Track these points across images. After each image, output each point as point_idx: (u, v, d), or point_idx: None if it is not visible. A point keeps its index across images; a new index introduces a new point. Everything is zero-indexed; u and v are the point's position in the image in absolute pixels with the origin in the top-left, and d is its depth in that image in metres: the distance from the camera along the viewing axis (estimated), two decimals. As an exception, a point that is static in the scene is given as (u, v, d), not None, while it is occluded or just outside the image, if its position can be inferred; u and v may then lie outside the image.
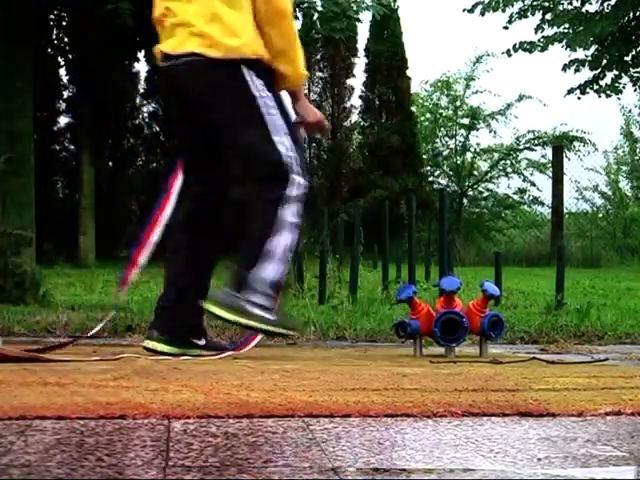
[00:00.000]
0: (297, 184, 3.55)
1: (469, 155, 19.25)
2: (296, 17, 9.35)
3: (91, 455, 1.80)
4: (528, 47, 14.79)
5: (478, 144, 19.23)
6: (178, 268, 3.72)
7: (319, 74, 17.48)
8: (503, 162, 19.12)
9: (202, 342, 3.75)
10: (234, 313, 3.47)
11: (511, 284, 7.98)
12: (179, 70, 3.60)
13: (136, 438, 1.97)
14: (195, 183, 3.76)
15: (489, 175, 19.22)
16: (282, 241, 3.51)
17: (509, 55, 15.04)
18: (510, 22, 14.94)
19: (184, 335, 3.70)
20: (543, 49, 14.75)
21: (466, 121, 19.11)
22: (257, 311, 3.48)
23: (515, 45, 14.87)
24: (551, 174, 16.37)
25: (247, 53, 3.56)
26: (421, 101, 19.40)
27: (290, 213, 3.54)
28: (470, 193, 19.25)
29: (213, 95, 3.58)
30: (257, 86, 3.57)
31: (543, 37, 14.74)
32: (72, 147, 16.08)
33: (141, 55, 13.44)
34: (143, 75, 16.45)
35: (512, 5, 14.75)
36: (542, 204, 18.61)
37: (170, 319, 3.67)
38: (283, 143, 3.56)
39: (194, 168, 3.77)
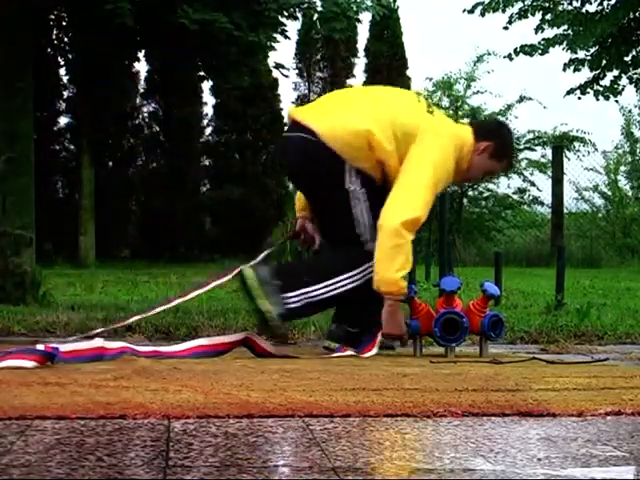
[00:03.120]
0: None
1: (469, 155, 19.22)
2: (296, 17, 9.35)
3: (91, 455, 1.80)
4: (529, 50, 14.80)
5: (478, 144, 19.20)
6: None
7: (319, 74, 17.48)
8: (503, 162, 19.08)
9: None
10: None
11: (511, 284, 7.97)
12: None
13: (136, 438, 1.97)
14: None
15: (489, 175, 19.19)
16: None
17: (510, 59, 15.06)
18: (510, 22, 14.94)
19: None
20: (544, 52, 14.75)
21: (467, 121, 19.09)
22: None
23: (516, 49, 14.89)
24: (551, 174, 16.36)
25: None
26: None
27: None
28: (470, 193, 19.23)
29: None
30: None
31: (544, 39, 14.74)
32: (72, 147, 16.08)
33: (141, 55, 13.42)
34: (143, 75, 16.45)
35: (512, 6, 14.74)
36: (542, 204, 18.60)
37: None
38: None
39: None
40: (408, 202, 3.86)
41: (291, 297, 3.86)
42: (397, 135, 3.93)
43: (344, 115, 3.98)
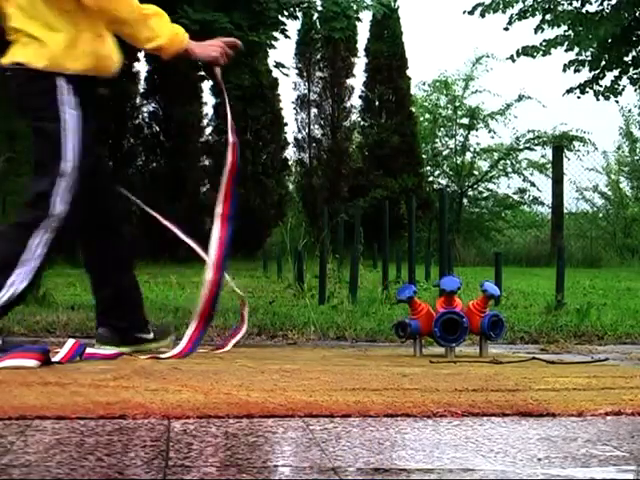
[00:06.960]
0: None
1: (469, 155, 19.25)
2: (296, 17, 9.35)
3: (91, 455, 1.80)
4: (531, 51, 14.81)
5: (478, 144, 19.24)
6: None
7: (319, 74, 17.48)
8: (503, 162, 19.11)
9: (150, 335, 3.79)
10: None
11: (511, 284, 7.97)
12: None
13: (136, 438, 1.97)
14: None
15: (489, 175, 19.21)
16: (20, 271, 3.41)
17: (513, 60, 15.06)
18: (510, 23, 14.96)
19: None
20: (545, 53, 14.76)
21: (465, 121, 19.10)
22: None
23: (518, 50, 14.90)
24: (551, 174, 16.37)
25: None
26: (420, 101, 19.38)
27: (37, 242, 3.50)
28: (470, 193, 19.24)
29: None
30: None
31: (545, 41, 14.75)
32: (72, 147, 16.07)
33: (141, 55, 13.43)
34: (143, 75, 16.46)
35: (512, 6, 14.75)
36: (542, 204, 18.61)
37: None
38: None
39: None
40: None
41: None
42: None
43: None
